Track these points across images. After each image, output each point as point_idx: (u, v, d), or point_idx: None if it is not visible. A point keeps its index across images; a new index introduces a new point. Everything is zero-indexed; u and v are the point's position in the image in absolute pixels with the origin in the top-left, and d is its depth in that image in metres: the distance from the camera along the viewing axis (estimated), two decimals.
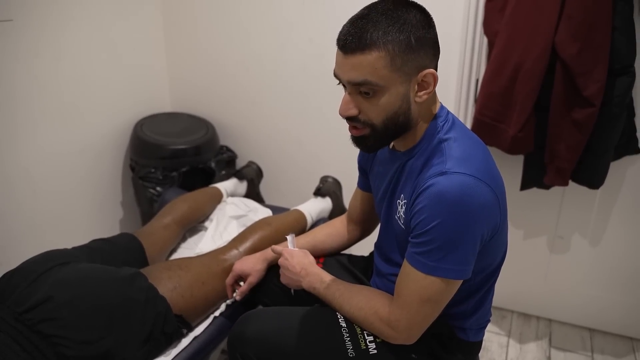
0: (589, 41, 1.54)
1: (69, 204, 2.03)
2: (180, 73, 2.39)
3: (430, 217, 0.97)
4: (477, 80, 1.89)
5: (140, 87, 2.29)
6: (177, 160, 2.13)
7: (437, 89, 1.07)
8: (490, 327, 2.10)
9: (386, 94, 0.99)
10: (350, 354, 1.12)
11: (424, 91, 1.01)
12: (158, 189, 2.10)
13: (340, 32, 0.99)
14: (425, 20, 0.99)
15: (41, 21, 1.78)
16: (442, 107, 1.10)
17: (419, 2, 1.03)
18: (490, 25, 1.74)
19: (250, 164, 2.23)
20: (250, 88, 2.28)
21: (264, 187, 2.32)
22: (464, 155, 1.01)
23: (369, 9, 0.99)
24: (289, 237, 1.36)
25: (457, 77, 1.90)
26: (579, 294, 2.06)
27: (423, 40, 0.98)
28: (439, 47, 1.03)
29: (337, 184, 2.02)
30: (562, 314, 2.12)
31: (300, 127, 2.24)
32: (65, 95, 1.93)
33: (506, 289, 2.14)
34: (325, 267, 1.39)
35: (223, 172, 2.26)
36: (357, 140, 1.07)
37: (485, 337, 2.01)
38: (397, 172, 1.14)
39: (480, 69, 1.87)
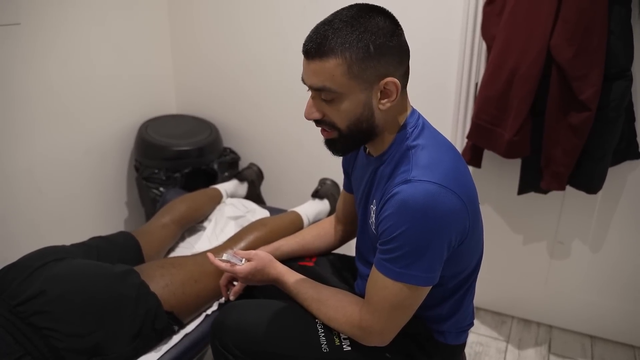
0: (585, 45, 1.53)
1: (74, 203, 2.07)
2: (186, 76, 2.43)
3: (395, 225, 0.98)
4: (476, 84, 1.89)
5: (147, 90, 2.34)
6: (180, 161, 2.17)
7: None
8: (489, 332, 2.09)
9: (346, 100, 0.99)
10: (324, 349, 1.14)
11: (387, 99, 1.01)
12: (161, 189, 2.14)
13: (306, 38, 1.00)
14: (389, 27, 0.98)
15: (48, 25, 1.84)
16: (413, 112, 1.10)
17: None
18: (488, 30, 1.74)
19: (251, 165, 2.26)
20: (253, 91, 2.31)
21: (265, 189, 2.34)
22: (430, 162, 1.01)
23: (334, 15, 1.00)
24: (227, 257, 1.27)
25: (456, 81, 1.90)
26: (580, 300, 2.04)
27: (384, 48, 0.97)
28: (407, 55, 1.02)
29: (335, 186, 2.04)
30: (563, 320, 2.10)
31: (301, 129, 2.26)
32: (71, 97, 1.98)
33: (506, 294, 2.14)
34: (316, 266, 1.42)
35: (226, 174, 2.29)
36: (327, 142, 1.09)
37: (483, 342, 2.03)
38: (370, 177, 1.15)
39: (479, 72, 1.87)
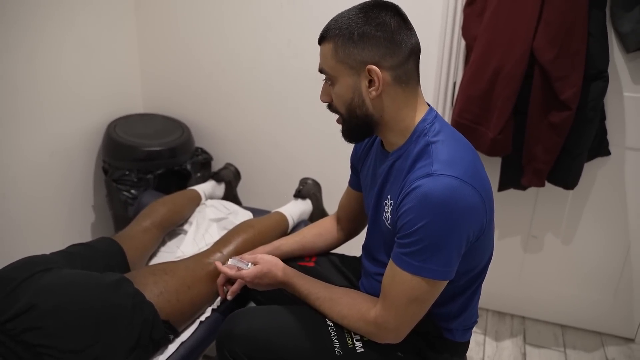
0: (566, 47, 1.59)
1: (40, 207, 1.96)
2: (154, 73, 2.34)
3: (416, 219, 0.98)
4: (454, 84, 1.92)
5: (112, 88, 2.23)
6: (152, 162, 2.08)
7: None
8: None
9: (337, 83, 1.07)
10: (337, 352, 1.13)
11: (373, 87, 1.04)
12: (133, 191, 2.05)
13: None
14: (380, 19, 1.02)
15: (11, 21, 1.72)
16: (430, 110, 1.11)
17: (403, 7, 1.08)
18: (469, 30, 1.78)
19: (228, 166, 2.21)
20: (227, 89, 2.25)
21: (241, 189, 2.29)
22: (451, 157, 1.02)
23: (348, 9, 1.07)
24: (233, 262, 1.28)
25: (434, 80, 1.93)
26: (552, 291, 2.13)
27: (367, 37, 1.02)
28: (402, 50, 1.03)
29: (317, 185, 2.02)
30: (535, 311, 2.19)
31: (277, 128, 2.23)
32: (35, 95, 1.86)
33: (482, 288, 2.19)
34: (317, 265, 1.40)
35: (198, 175, 2.22)
36: (341, 128, 1.14)
37: None
38: (385, 172, 1.15)
39: (458, 72, 1.91)
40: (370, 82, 1.04)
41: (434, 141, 1.05)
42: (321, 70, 1.09)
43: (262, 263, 1.23)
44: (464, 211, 0.98)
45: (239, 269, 1.23)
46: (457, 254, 1.02)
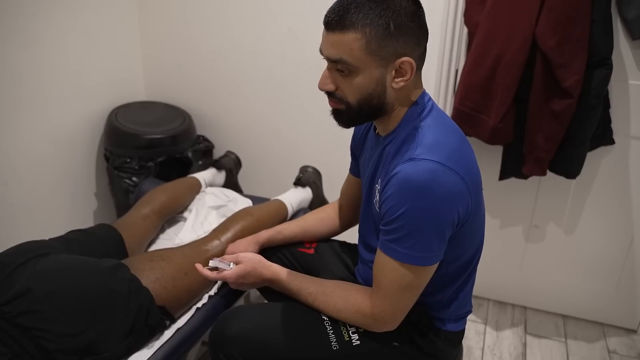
0: (569, 34, 1.56)
1: (41, 195, 1.97)
2: (155, 61, 2.33)
3: (398, 204, 0.98)
4: (456, 71, 1.90)
5: (114, 75, 2.23)
6: (153, 150, 2.09)
7: None
8: None
9: (360, 74, 1.00)
10: (334, 346, 1.13)
11: (401, 78, 1.02)
12: (134, 179, 2.06)
13: (328, 9, 1.01)
14: (411, 8, 0.99)
15: (10, 6, 1.71)
16: (424, 94, 1.10)
17: None
18: (471, 17, 1.75)
19: (229, 153, 2.21)
20: (228, 77, 2.25)
21: (242, 177, 2.30)
22: (435, 142, 1.01)
23: None
24: (213, 263, 1.28)
25: (436, 68, 1.91)
26: (553, 282, 2.11)
27: (404, 28, 0.98)
28: (425, 37, 1.03)
29: (317, 173, 2.02)
30: (537, 301, 2.17)
31: (278, 117, 2.23)
32: (36, 83, 1.86)
33: (482, 277, 2.17)
34: (317, 252, 1.40)
35: (200, 162, 2.23)
36: (333, 112, 1.09)
37: None
38: (378, 157, 1.14)
39: (460, 59, 1.88)
40: (397, 72, 1.01)
41: (420, 125, 1.05)
42: (337, 61, 1.00)
43: (244, 262, 1.23)
44: (445, 196, 0.97)
45: (220, 270, 1.23)
46: (443, 239, 1.02)
